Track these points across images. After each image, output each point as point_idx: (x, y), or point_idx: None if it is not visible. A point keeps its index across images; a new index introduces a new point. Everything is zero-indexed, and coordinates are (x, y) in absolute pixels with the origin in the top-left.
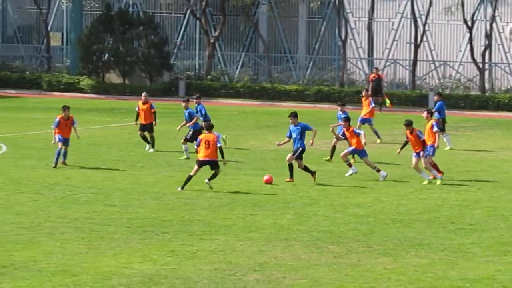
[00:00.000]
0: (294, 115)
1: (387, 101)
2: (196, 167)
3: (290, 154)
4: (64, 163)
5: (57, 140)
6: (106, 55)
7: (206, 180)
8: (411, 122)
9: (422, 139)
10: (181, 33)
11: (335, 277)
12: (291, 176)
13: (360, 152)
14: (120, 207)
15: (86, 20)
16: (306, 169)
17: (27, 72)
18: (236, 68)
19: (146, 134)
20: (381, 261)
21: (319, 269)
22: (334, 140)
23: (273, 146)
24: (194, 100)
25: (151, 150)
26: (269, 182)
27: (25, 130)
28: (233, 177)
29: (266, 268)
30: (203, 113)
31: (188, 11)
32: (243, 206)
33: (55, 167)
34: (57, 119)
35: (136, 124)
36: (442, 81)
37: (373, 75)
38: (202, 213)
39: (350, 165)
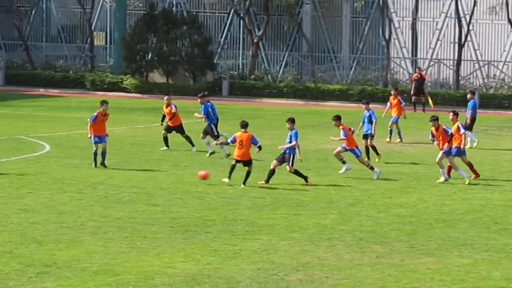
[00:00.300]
0: (291, 120)
1: (430, 100)
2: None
3: (287, 166)
4: (103, 164)
5: (92, 142)
6: (150, 55)
7: (242, 185)
8: (437, 118)
9: (449, 133)
10: (224, 33)
11: (378, 277)
12: (305, 178)
13: (352, 150)
14: (163, 206)
15: (129, 20)
16: (297, 173)
17: (71, 72)
18: (280, 68)
19: (170, 135)
20: (424, 261)
21: (362, 269)
22: (368, 140)
23: (316, 146)
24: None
25: (194, 149)
26: (204, 177)
27: (69, 129)
28: (276, 176)
29: (309, 268)
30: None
31: (232, 11)
32: (286, 206)
33: (95, 166)
34: (95, 113)
35: (161, 124)
36: (486, 80)
37: (416, 74)
38: (245, 212)
39: (344, 161)
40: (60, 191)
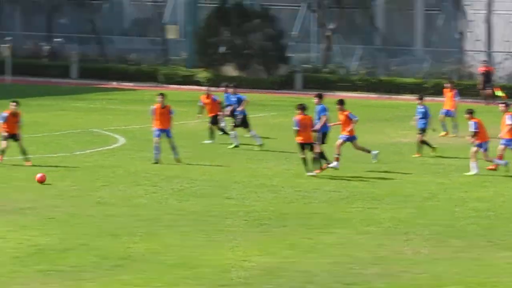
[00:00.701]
0: (318, 95)
1: (500, 92)
2: (300, 150)
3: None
4: (177, 160)
5: (154, 135)
6: (223, 48)
7: (309, 173)
8: (472, 111)
9: (475, 131)
10: (297, 26)
11: (456, 271)
12: (323, 165)
13: (352, 138)
14: (238, 200)
15: (202, 13)
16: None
17: (144, 65)
18: (353, 61)
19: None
20: (503, 255)
21: (440, 264)
22: (419, 135)
23: (391, 140)
24: (228, 89)
25: (209, 141)
26: (41, 181)
27: (142, 122)
28: (351, 170)
29: (386, 262)
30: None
31: (305, 4)
32: (361, 199)
33: (155, 162)
34: (153, 107)
35: (198, 117)
36: None
37: (482, 68)
38: (321, 206)
39: (337, 159)
40: (135, 184)
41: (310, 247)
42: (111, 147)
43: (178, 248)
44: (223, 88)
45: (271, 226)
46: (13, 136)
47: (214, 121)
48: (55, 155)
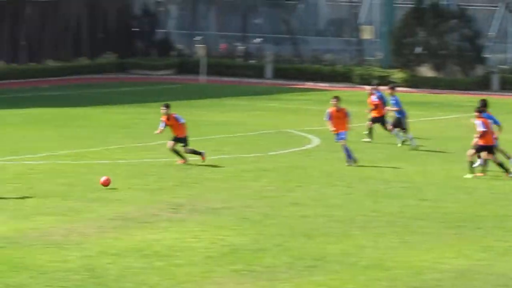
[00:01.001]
0: (483, 104)
1: None
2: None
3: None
4: (352, 162)
5: (335, 140)
6: (419, 49)
7: (509, 175)
8: None
9: None
10: (494, 26)
11: None
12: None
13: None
14: (433, 201)
15: (397, 13)
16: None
17: (339, 65)
18: None
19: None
20: None
21: None
22: None
23: None
24: (379, 87)
25: (367, 139)
26: (105, 184)
27: None
28: None
29: None
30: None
31: (502, 4)
32: None
33: (349, 165)
34: (328, 111)
35: (369, 112)
36: None
37: None
38: None
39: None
40: (329, 185)
41: (506, 250)
42: (305, 147)
43: (371, 249)
44: (374, 86)
45: (466, 228)
46: (180, 140)
47: (376, 120)
48: (249, 155)
